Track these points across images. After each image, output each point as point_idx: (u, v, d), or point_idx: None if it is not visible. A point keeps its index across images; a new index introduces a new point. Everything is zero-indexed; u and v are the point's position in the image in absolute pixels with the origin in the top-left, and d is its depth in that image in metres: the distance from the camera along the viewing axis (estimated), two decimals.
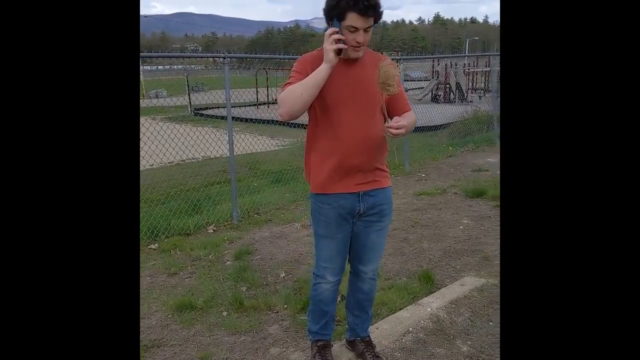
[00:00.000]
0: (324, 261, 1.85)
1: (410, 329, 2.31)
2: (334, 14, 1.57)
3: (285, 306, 2.58)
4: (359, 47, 1.62)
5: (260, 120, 11.40)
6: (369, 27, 1.59)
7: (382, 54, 2.10)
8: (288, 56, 5.05)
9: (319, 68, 1.57)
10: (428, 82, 17.29)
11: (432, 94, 16.49)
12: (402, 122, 1.61)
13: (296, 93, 1.59)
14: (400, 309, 2.50)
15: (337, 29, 1.56)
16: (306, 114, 1.76)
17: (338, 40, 1.55)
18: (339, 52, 1.57)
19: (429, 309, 2.48)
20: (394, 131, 1.60)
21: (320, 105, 1.70)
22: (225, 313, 2.56)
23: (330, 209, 1.76)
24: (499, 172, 4.96)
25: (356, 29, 1.57)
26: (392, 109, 1.77)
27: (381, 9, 1.59)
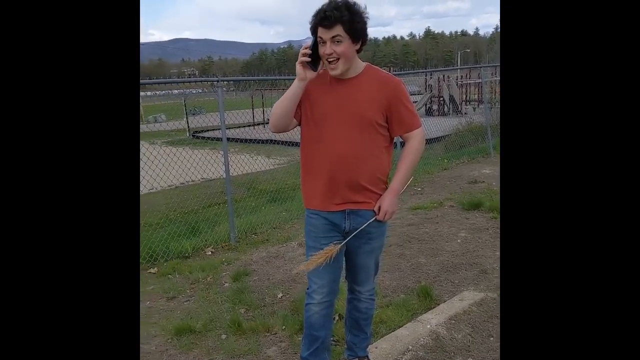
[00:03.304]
0: (312, 274, 1.84)
1: (410, 347, 2.29)
2: (311, 31, 1.65)
3: (283, 327, 2.57)
4: (329, 59, 1.63)
5: (257, 140, 11.50)
6: (335, 37, 1.60)
7: (389, 71, 2.13)
8: (279, 77, 5.12)
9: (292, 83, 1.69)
10: (421, 95, 17.47)
11: (426, 107, 16.64)
12: (384, 205, 1.76)
13: (275, 106, 1.73)
14: (399, 327, 2.48)
15: (307, 45, 1.65)
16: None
17: (304, 55, 1.63)
18: (314, 67, 1.66)
19: (428, 326, 2.47)
20: (385, 219, 1.78)
21: (309, 123, 1.75)
22: (224, 336, 2.54)
23: (317, 219, 1.79)
24: (494, 183, 4.95)
25: (322, 40, 1.62)
26: (392, 128, 1.77)
27: (345, 19, 1.57)
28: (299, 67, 1.65)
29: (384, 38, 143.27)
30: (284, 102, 1.71)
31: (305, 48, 1.64)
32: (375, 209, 1.77)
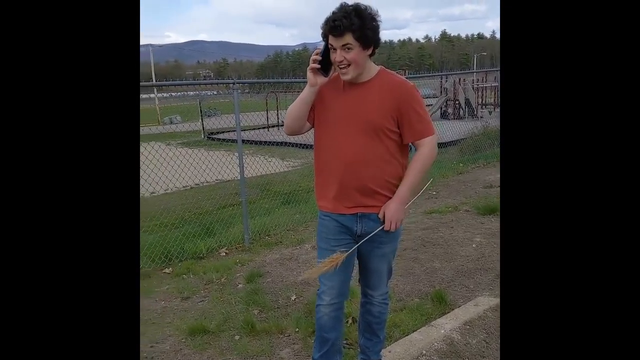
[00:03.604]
0: (322, 276, 1.83)
1: (424, 352, 2.28)
2: (322, 37, 1.65)
3: (297, 329, 2.58)
4: (341, 67, 1.63)
5: (271, 142, 11.60)
6: (345, 45, 1.59)
7: (404, 74, 2.11)
8: (294, 79, 5.16)
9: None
10: (436, 99, 17.34)
11: (441, 110, 16.52)
12: (388, 213, 1.72)
13: (289, 110, 1.77)
14: (413, 331, 2.47)
15: (318, 51, 1.66)
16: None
17: (315, 61, 1.65)
18: (325, 72, 1.67)
19: (442, 331, 2.45)
20: (391, 229, 1.74)
21: (321, 126, 1.77)
22: (237, 337, 2.56)
23: (329, 220, 1.80)
24: None
25: (333, 48, 1.62)
26: (403, 134, 1.73)
27: (355, 27, 1.56)
28: (309, 73, 1.66)
29: (399, 41, 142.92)
30: (297, 106, 1.73)
31: (316, 54, 1.65)
32: (380, 215, 1.74)
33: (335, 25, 1.56)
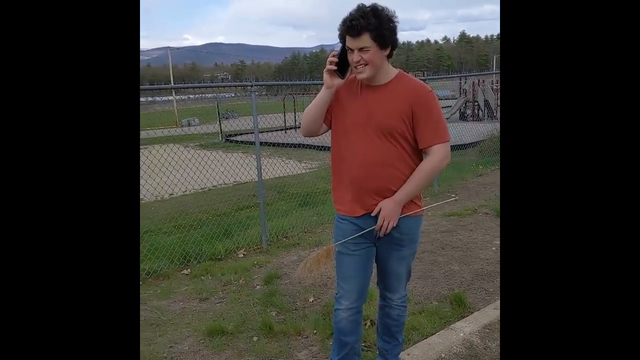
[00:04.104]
0: (340, 279, 1.84)
1: (443, 355, 2.25)
2: (340, 38, 1.65)
3: (315, 331, 2.58)
4: (357, 66, 1.63)
5: (288, 144, 11.65)
6: (364, 48, 1.59)
7: (425, 80, 2.10)
8: (311, 81, 5.17)
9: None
10: (455, 100, 17.15)
11: (460, 112, 16.32)
12: (383, 212, 1.69)
13: (306, 112, 1.77)
14: (432, 334, 2.44)
15: (335, 53, 1.66)
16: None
17: (332, 63, 1.64)
18: (342, 74, 1.67)
19: (461, 334, 2.42)
20: (382, 231, 1.72)
21: (337, 129, 1.77)
22: (255, 338, 2.57)
23: (347, 224, 1.79)
24: None
25: (350, 49, 1.62)
26: (418, 140, 1.71)
27: (372, 27, 1.55)
28: (326, 75, 1.66)
29: (417, 42, 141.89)
30: (313, 108, 1.74)
31: (333, 56, 1.65)
32: (375, 211, 1.72)
33: (352, 25, 1.56)
